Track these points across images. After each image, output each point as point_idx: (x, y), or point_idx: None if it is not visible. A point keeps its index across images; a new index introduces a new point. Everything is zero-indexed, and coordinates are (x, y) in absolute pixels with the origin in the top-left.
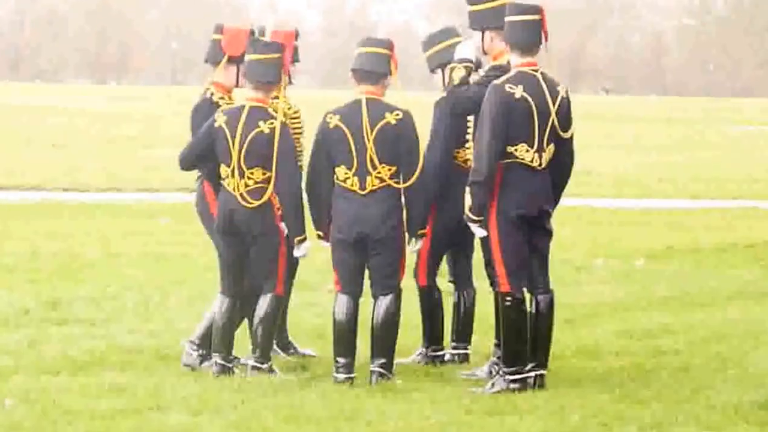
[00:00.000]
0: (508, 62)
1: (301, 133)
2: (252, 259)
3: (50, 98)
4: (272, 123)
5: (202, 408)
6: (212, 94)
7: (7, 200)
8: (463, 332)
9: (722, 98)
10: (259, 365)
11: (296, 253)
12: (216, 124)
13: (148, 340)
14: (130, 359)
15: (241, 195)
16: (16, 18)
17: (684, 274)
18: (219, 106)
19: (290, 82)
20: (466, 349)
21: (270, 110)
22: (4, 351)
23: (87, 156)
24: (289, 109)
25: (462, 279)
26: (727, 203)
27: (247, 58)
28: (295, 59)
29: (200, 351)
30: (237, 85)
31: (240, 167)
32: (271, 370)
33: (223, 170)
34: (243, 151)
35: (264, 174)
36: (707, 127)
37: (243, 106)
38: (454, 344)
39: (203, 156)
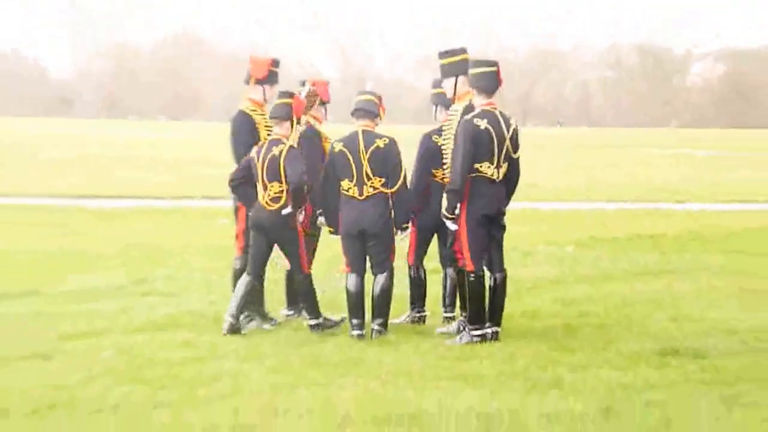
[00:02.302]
0: (470, 102)
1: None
2: (281, 249)
3: (138, 132)
4: (281, 147)
5: (248, 356)
6: (246, 107)
7: (106, 207)
8: (450, 300)
9: (632, 128)
10: (315, 321)
11: (299, 219)
12: (251, 155)
13: (210, 308)
14: (196, 321)
15: (266, 202)
16: (112, 68)
17: (603, 258)
18: (250, 116)
19: (326, 118)
20: (448, 312)
21: (283, 139)
22: (102, 316)
23: (164, 173)
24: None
25: (445, 261)
26: (636, 205)
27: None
28: (326, 101)
29: (245, 314)
30: (265, 101)
31: (263, 182)
32: (321, 325)
33: (257, 186)
34: (264, 169)
35: (280, 186)
36: (622, 150)
37: (266, 141)
38: (444, 309)
39: (244, 176)
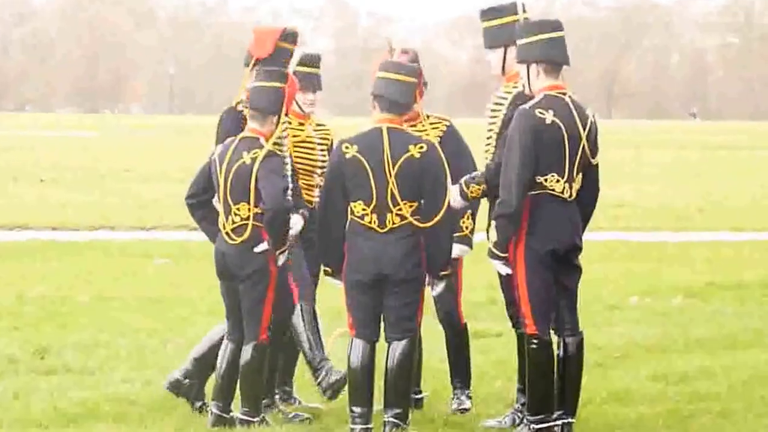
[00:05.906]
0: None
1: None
2: (241, 301)
3: (38, 129)
4: (256, 153)
5: None
6: (239, 102)
7: None
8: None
9: (764, 121)
10: (249, 418)
11: (279, 261)
12: (212, 157)
13: (144, 390)
14: (124, 411)
15: (227, 233)
16: None
17: (725, 313)
18: (245, 115)
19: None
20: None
21: (262, 140)
22: None
23: (77, 191)
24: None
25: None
26: None
27: (251, 84)
28: (317, 88)
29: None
30: None
31: (227, 202)
32: (262, 422)
33: (218, 206)
34: (228, 184)
35: (249, 210)
36: (751, 153)
37: (235, 138)
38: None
39: (204, 189)
